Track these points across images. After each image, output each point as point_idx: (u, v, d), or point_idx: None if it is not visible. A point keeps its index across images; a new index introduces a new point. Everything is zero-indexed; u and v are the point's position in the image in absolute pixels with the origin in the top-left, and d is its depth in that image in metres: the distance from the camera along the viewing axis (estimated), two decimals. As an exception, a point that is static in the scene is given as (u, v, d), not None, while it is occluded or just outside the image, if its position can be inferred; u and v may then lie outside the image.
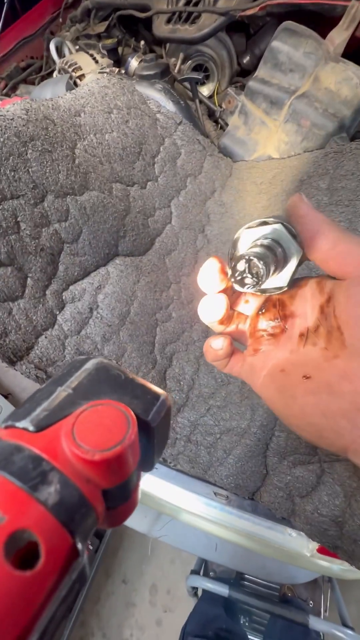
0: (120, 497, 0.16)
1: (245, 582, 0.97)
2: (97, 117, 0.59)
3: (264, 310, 0.23)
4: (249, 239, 0.22)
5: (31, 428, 0.15)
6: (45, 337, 0.47)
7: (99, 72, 0.86)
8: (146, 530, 0.79)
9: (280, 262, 0.21)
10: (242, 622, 1.00)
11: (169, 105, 0.74)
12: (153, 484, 0.52)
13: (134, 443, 0.15)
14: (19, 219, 0.45)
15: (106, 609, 1.52)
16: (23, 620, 0.11)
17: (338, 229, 0.20)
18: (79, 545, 0.13)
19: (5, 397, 0.62)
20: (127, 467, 0.15)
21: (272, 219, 0.21)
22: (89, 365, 0.19)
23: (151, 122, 0.68)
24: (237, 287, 0.21)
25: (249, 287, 0.20)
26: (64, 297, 0.50)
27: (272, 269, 0.20)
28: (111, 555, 1.62)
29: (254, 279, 0.20)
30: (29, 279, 0.47)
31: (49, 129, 0.48)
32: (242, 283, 0.21)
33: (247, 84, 0.70)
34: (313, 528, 0.41)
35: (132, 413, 0.16)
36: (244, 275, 0.20)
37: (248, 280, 0.20)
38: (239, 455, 0.45)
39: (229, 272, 0.21)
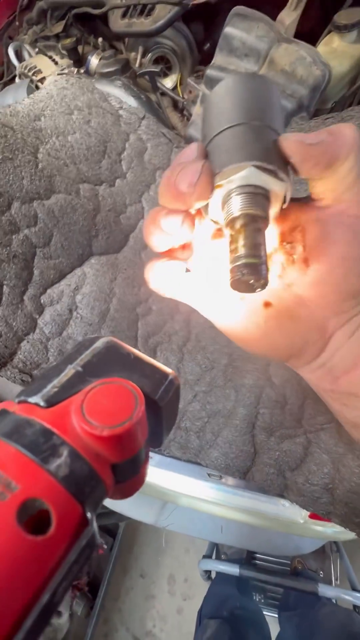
0: (129, 471, 0.16)
1: (256, 561, 0.99)
2: (58, 119, 0.60)
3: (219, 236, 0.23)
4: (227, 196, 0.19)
5: (42, 403, 0.16)
6: (27, 342, 0.48)
7: (58, 74, 0.85)
8: (153, 520, 0.80)
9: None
10: (257, 599, 1.03)
11: (131, 101, 0.74)
12: (150, 473, 0.53)
13: (142, 420, 0.15)
14: (-13, 228, 0.45)
15: (127, 604, 1.55)
16: (36, 581, 0.12)
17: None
18: (89, 515, 0.13)
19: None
20: (135, 443, 0.15)
21: (243, 163, 0.18)
22: (99, 344, 0.19)
23: (114, 119, 0.69)
24: (236, 289, 0.19)
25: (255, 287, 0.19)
26: (42, 301, 0.51)
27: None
28: (126, 551, 1.64)
29: (258, 282, 0.19)
30: (4, 286, 0.47)
31: (8, 136, 0.49)
32: (245, 288, 0.19)
33: (205, 72, 0.71)
34: (305, 499, 0.42)
35: (140, 391, 0.16)
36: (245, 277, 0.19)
37: (252, 283, 0.19)
38: (227, 436, 0.47)
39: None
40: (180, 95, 0.96)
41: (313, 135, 0.18)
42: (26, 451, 0.13)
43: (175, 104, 0.98)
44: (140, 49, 1.03)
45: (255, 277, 0.19)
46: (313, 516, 0.46)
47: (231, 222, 0.19)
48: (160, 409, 0.17)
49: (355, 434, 0.28)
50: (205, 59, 1.04)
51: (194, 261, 0.24)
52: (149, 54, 1.05)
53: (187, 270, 0.25)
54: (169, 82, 1.04)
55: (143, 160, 0.70)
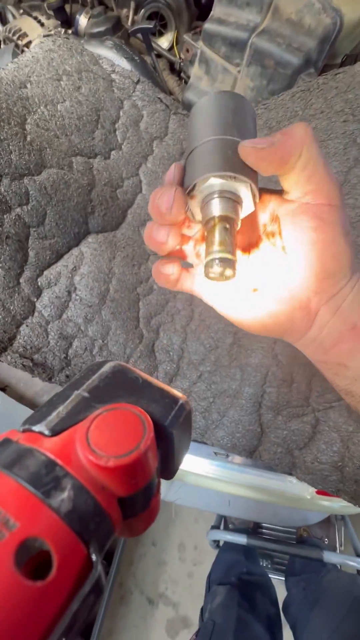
0: (138, 505, 0.15)
1: (263, 530, 1.03)
2: (46, 86, 0.55)
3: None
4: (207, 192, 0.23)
5: (46, 432, 0.15)
6: (27, 326, 0.47)
7: (44, 36, 0.79)
8: (162, 495, 0.82)
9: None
10: (263, 565, 1.08)
11: (124, 63, 0.69)
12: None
13: (151, 449, 0.14)
14: (-23, 208, 0.43)
15: (140, 570, 1.64)
16: (35, 632, 0.10)
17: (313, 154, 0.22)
18: (94, 557, 0.12)
19: (3, 390, 0.63)
20: (144, 474, 0.14)
21: (241, 176, 0.22)
22: (106, 368, 0.18)
23: (106, 84, 0.64)
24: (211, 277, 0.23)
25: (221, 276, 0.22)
26: (39, 283, 0.49)
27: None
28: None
29: (227, 270, 0.22)
30: (-1, 269, 0.46)
31: (-7, 105, 0.45)
32: (217, 276, 0.22)
33: (203, 26, 0.65)
34: (315, 477, 0.42)
35: (149, 417, 0.15)
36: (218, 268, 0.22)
37: (226, 272, 0.22)
38: (233, 415, 0.46)
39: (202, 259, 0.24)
40: (177, 56, 0.89)
41: (266, 139, 0.21)
42: (27, 484, 0.12)
43: (172, 66, 0.91)
44: (132, 5, 0.95)
45: (224, 268, 0.22)
46: (320, 492, 0.46)
47: (205, 224, 0.23)
48: (171, 435, 0.16)
49: (349, 400, 0.30)
50: (203, 12, 0.95)
51: (192, 258, 0.28)
52: (142, 10, 0.97)
53: (190, 265, 0.28)
54: (164, 42, 0.96)
55: (139, 129, 0.66)
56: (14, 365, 0.45)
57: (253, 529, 1.04)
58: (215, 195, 0.22)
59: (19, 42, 0.90)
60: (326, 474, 0.41)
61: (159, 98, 0.68)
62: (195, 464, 0.51)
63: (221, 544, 1.06)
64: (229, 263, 0.22)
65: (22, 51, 0.87)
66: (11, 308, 0.46)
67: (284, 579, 1.01)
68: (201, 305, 0.54)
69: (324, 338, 0.26)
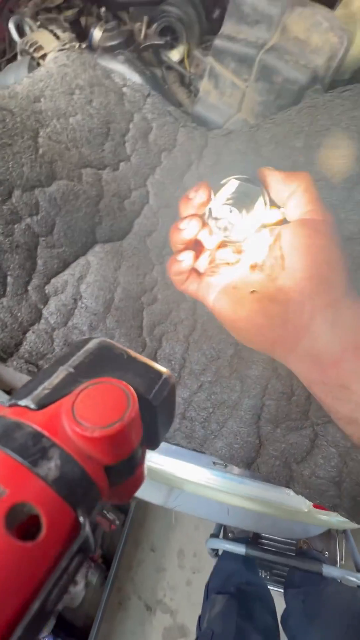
0: (124, 473, 0.16)
1: (263, 541, 1.02)
2: (59, 100, 0.57)
3: (225, 245, 0.31)
4: (226, 193, 0.27)
5: (32, 406, 0.15)
6: (33, 332, 0.48)
7: (59, 50, 0.82)
8: (162, 502, 0.83)
9: (246, 216, 0.27)
10: (263, 575, 1.07)
11: (135, 77, 0.70)
12: (157, 460, 0.54)
13: (135, 420, 0.15)
14: (-11, 218, 0.45)
15: (139, 575, 1.63)
16: (26, 588, 0.11)
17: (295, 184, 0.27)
18: (81, 518, 0.13)
19: (8, 392, 0.64)
20: (128, 444, 0.15)
21: (253, 184, 0.27)
22: (91, 345, 0.19)
23: (117, 98, 0.66)
24: (216, 233, 0.27)
25: (221, 234, 0.27)
26: (46, 291, 0.51)
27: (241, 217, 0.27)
28: (138, 527, 1.71)
29: (226, 227, 0.26)
30: (8, 277, 0.47)
31: (7, 120, 0.47)
32: (219, 230, 0.27)
33: (213, 42, 0.66)
34: (312, 491, 0.42)
35: (133, 391, 0.16)
36: (220, 224, 0.26)
37: (226, 226, 0.26)
38: (232, 427, 0.46)
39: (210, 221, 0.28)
40: (187, 69, 0.90)
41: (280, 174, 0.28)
42: (15, 454, 0.13)
43: (182, 79, 0.93)
44: (145, 19, 0.97)
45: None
46: (318, 506, 0.46)
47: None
48: (155, 408, 0.17)
49: (350, 430, 0.28)
50: (215, 27, 0.97)
51: (204, 269, 0.31)
52: (155, 24, 0.99)
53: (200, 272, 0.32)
54: (175, 55, 0.98)
55: (148, 141, 0.67)
56: (20, 370, 0.46)
57: (252, 539, 1.04)
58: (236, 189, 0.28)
59: (35, 55, 0.93)
60: (324, 488, 0.41)
61: (168, 111, 0.70)
62: (194, 473, 0.51)
63: (220, 552, 1.06)
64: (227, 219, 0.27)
65: (38, 64, 0.90)
66: (18, 315, 0.47)
67: (282, 590, 1.01)
68: (204, 316, 0.55)
69: (321, 352, 0.25)
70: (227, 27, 0.65)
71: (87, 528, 0.13)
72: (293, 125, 0.57)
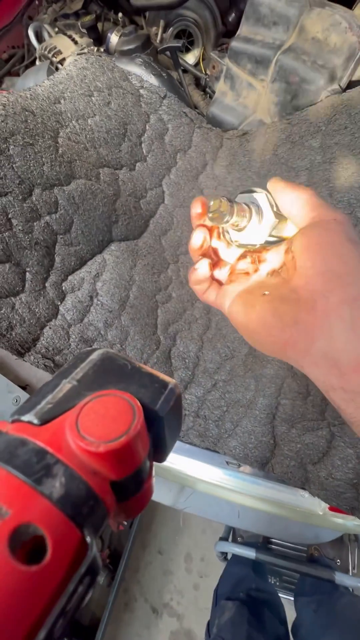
0: (131, 488, 0.15)
1: (273, 546, 1.01)
2: (78, 101, 0.58)
3: (244, 257, 0.30)
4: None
5: (35, 421, 0.15)
6: (50, 328, 0.49)
7: (78, 54, 0.83)
8: (171, 502, 0.82)
9: (255, 222, 0.26)
10: (272, 582, 1.05)
11: (152, 79, 0.71)
12: (169, 458, 0.54)
13: (141, 433, 0.14)
14: (10, 216, 0.46)
15: (146, 577, 1.62)
16: (31, 616, 0.10)
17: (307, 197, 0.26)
18: (88, 539, 0.12)
19: (23, 388, 0.65)
20: (135, 457, 0.14)
21: (259, 189, 0.26)
22: (94, 356, 0.18)
23: (134, 99, 0.67)
24: (210, 220, 0.26)
25: (219, 221, 0.26)
26: (63, 288, 0.52)
27: (246, 220, 0.26)
28: (145, 529, 1.71)
29: (221, 215, 0.25)
30: (27, 273, 0.48)
31: (29, 121, 0.48)
32: (213, 219, 0.26)
33: (230, 44, 0.67)
34: (328, 493, 0.41)
35: (138, 402, 0.15)
36: (215, 212, 0.25)
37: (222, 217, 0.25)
38: (246, 425, 0.46)
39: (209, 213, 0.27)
40: (203, 71, 0.91)
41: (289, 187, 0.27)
42: (18, 473, 0.12)
43: (197, 81, 0.93)
44: (162, 23, 0.99)
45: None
46: (333, 508, 0.46)
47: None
48: (162, 419, 0.16)
49: None
50: (230, 30, 0.98)
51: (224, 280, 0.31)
52: (171, 28, 1.01)
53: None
54: (191, 58, 0.99)
55: (164, 142, 0.68)
56: (37, 365, 0.47)
57: (262, 544, 1.02)
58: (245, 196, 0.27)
59: (54, 59, 0.96)
60: (341, 490, 0.40)
61: (184, 112, 0.70)
62: (206, 472, 0.51)
63: (229, 556, 1.04)
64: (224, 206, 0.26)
65: (57, 68, 0.92)
66: (36, 310, 0.48)
67: (292, 598, 0.98)
68: (218, 315, 0.55)
69: (340, 354, 0.23)
70: (244, 29, 0.66)
71: (95, 549, 0.13)
72: (310, 125, 0.57)
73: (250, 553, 0.80)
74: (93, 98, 0.61)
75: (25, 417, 0.15)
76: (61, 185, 0.50)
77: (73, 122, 0.56)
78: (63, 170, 0.51)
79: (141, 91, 0.68)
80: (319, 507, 0.45)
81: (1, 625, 0.10)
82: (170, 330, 0.54)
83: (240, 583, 0.92)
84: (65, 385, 0.16)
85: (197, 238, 0.29)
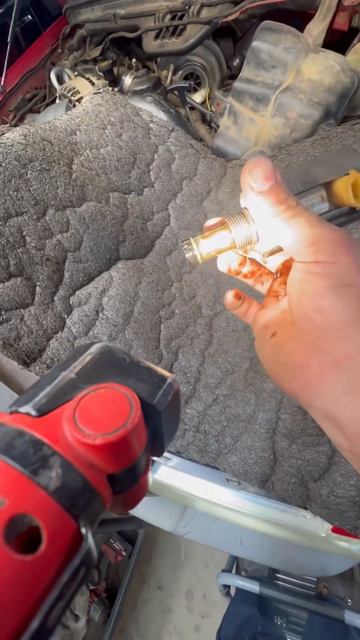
0: (127, 481, 0.15)
1: (279, 582, 0.95)
2: (92, 133, 0.64)
3: (279, 275, 0.27)
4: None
5: (33, 413, 0.15)
6: (56, 340, 0.51)
7: (94, 93, 0.91)
8: (172, 527, 0.80)
9: (244, 224, 0.24)
10: (279, 623, 0.98)
11: (161, 115, 0.77)
12: (168, 475, 0.53)
13: (138, 426, 0.14)
14: (24, 233, 0.49)
15: (143, 615, 1.52)
16: (25, 605, 0.11)
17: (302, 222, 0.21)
18: (83, 530, 0.12)
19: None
20: (132, 450, 0.14)
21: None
22: (93, 349, 0.18)
23: (144, 132, 0.72)
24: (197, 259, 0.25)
25: (192, 259, 0.24)
26: (71, 302, 0.54)
27: (234, 229, 0.24)
28: (145, 561, 1.63)
29: (189, 248, 0.24)
30: (37, 287, 0.51)
31: (46, 149, 0.53)
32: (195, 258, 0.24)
33: (233, 84, 0.73)
34: (330, 511, 0.41)
35: (136, 396, 0.15)
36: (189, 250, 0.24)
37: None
38: (246, 441, 0.46)
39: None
40: (209, 109, 0.99)
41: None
42: (15, 463, 0.12)
43: (203, 117, 1.01)
44: (172, 67, 1.08)
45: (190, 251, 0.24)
46: (336, 530, 0.44)
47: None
48: (160, 413, 0.16)
49: None
50: (234, 74, 1.07)
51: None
52: (180, 72, 1.10)
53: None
54: (198, 97, 1.08)
55: (171, 170, 0.73)
56: (41, 376, 0.48)
57: (267, 578, 0.96)
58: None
59: (72, 98, 1.05)
60: (343, 509, 0.39)
61: (190, 144, 0.76)
62: (206, 490, 0.50)
63: (232, 591, 0.98)
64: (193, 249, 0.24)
65: (74, 105, 1.00)
66: (44, 322, 0.50)
67: (300, 642, 0.91)
68: (220, 331, 0.56)
69: (342, 418, 0.20)
70: (246, 72, 0.72)
71: (90, 540, 0.13)
72: (307, 155, 0.61)
73: (254, 587, 0.76)
74: (106, 130, 0.66)
75: (23, 409, 0.15)
76: (73, 207, 0.54)
77: (87, 151, 0.61)
78: (76, 193, 0.55)
79: (151, 125, 0.74)
80: (322, 528, 0.44)
81: None
82: (172, 345, 0.56)
83: (245, 625, 0.86)
84: (64, 378, 0.16)
85: (221, 267, 0.27)
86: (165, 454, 0.54)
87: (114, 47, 1.25)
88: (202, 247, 0.24)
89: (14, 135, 0.49)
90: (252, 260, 0.27)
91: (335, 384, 0.20)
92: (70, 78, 1.24)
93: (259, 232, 0.23)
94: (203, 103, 1.04)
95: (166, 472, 0.53)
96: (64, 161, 0.55)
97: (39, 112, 1.32)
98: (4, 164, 0.47)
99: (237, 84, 0.72)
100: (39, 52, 1.43)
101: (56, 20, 1.46)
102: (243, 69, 0.72)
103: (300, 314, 0.21)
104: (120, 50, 1.27)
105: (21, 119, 1.30)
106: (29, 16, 1.89)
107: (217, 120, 0.87)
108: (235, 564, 1.03)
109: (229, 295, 0.28)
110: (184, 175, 0.74)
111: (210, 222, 0.25)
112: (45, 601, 0.11)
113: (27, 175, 0.49)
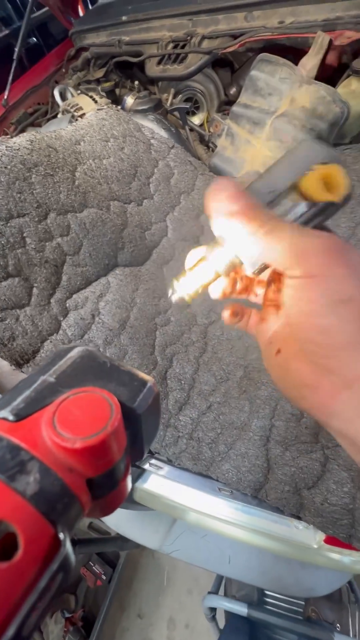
0: (106, 485, 0.15)
1: (267, 606, 0.91)
2: (96, 145, 0.66)
3: (272, 284, 0.25)
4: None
5: (11, 417, 0.14)
6: (50, 342, 0.50)
7: (98, 109, 0.95)
8: (158, 545, 0.77)
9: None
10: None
11: (162, 132, 0.81)
12: (159, 485, 0.52)
13: (118, 430, 0.14)
14: (24, 235, 0.49)
15: (122, 647, 1.43)
16: (1, 611, 0.10)
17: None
18: (61, 535, 0.12)
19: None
20: (111, 454, 0.14)
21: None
22: (74, 353, 0.18)
23: (145, 147, 0.75)
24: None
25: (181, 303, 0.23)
26: (67, 305, 0.54)
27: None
28: (125, 587, 1.54)
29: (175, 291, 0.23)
30: (34, 288, 0.50)
31: (51, 155, 0.54)
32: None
33: (231, 108, 0.77)
34: (324, 520, 0.40)
35: (116, 400, 0.15)
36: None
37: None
38: (240, 448, 0.46)
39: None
40: (207, 130, 1.04)
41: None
42: None
43: (201, 138, 1.05)
44: (172, 91, 1.14)
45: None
46: (329, 541, 0.43)
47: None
48: (139, 417, 0.16)
49: None
50: (232, 100, 1.13)
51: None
52: (180, 95, 1.16)
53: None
54: (196, 120, 1.13)
55: (169, 184, 0.75)
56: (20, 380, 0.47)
57: (256, 602, 0.93)
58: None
59: (75, 114, 1.08)
60: (337, 517, 0.39)
61: (189, 161, 0.79)
62: (197, 500, 0.48)
63: (218, 615, 0.94)
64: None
65: (77, 120, 1.03)
66: (39, 324, 0.50)
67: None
68: (214, 339, 0.57)
69: (358, 437, 0.20)
70: (244, 97, 0.77)
71: (68, 545, 0.13)
72: (301, 175, 0.64)
73: (242, 609, 0.73)
74: (109, 143, 0.69)
75: (0, 414, 0.15)
76: (75, 212, 0.55)
77: (90, 160, 0.62)
78: (78, 199, 0.56)
79: (152, 141, 0.77)
80: (314, 539, 0.43)
81: None
82: (167, 351, 0.56)
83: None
84: (43, 382, 0.16)
85: (214, 296, 0.25)
86: (156, 462, 0.53)
87: (117, 70, 1.31)
88: (187, 287, 0.23)
89: (20, 140, 0.51)
90: (242, 277, 0.26)
91: (349, 405, 0.19)
92: (73, 96, 1.28)
93: (239, 255, 0.21)
94: (201, 125, 1.09)
95: (156, 481, 0.52)
96: (67, 168, 0.56)
97: (39, 126, 1.36)
98: (9, 167, 0.48)
99: (235, 108, 0.76)
100: (44, 71, 1.49)
101: (61, 43, 1.53)
102: (241, 95, 0.77)
103: (301, 333, 0.20)
104: (122, 73, 1.33)
105: (22, 132, 1.33)
106: (34, 38, 1.97)
107: (215, 141, 0.91)
108: (223, 589, 0.99)
109: (226, 314, 0.27)
110: (182, 189, 0.76)
111: (189, 259, 0.24)
112: (22, 608, 0.11)
113: (31, 178, 0.50)
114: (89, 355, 0.18)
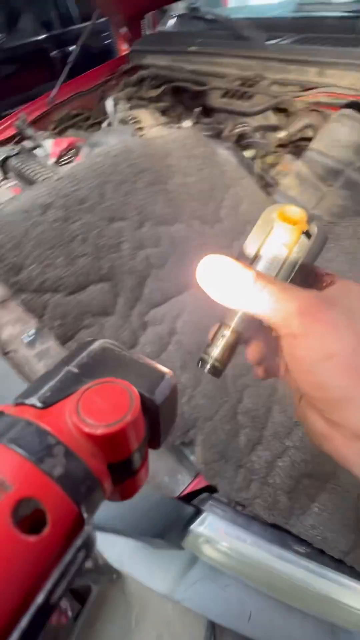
0: (126, 471, 0.16)
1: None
2: (181, 161, 0.65)
3: None
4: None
5: (38, 404, 0.15)
6: (130, 358, 0.46)
7: (177, 127, 0.95)
8: (168, 590, 0.69)
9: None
10: None
11: (234, 160, 0.82)
12: (218, 531, 0.47)
13: (137, 419, 0.15)
14: (122, 239, 0.46)
15: None
16: (31, 581, 0.11)
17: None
18: (85, 515, 0.13)
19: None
20: (130, 442, 0.15)
21: None
22: (95, 346, 0.19)
23: (220, 172, 0.75)
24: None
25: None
26: (146, 320, 0.50)
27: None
28: (87, 626, 1.39)
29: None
30: (120, 297, 0.47)
31: (153, 164, 0.52)
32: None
33: (305, 152, 0.79)
34: None
35: (135, 390, 0.16)
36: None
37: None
38: (325, 502, 0.43)
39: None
40: (259, 168, 1.07)
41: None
42: (22, 451, 0.13)
43: (261, 177, 1.08)
44: (230, 124, 1.17)
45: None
46: None
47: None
48: (158, 407, 0.17)
49: None
50: (282, 144, 1.18)
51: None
52: (236, 129, 1.20)
53: None
54: (246, 154, 1.16)
55: (238, 212, 0.75)
56: (45, 371, 0.43)
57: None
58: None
59: (135, 126, 1.08)
60: None
61: (258, 193, 0.79)
62: (267, 556, 0.43)
63: None
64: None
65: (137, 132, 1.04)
66: (120, 336, 0.46)
67: None
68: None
69: None
70: (321, 146, 0.79)
71: (91, 524, 0.14)
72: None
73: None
74: (191, 162, 0.68)
75: (29, 401, 0.16)
76: (167, 225, 0.53)
77: (179, 175, 0.61)
78: (170, 212, 0.54)
79: (225, 167, 0.78)
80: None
81: (4, 587, 0.11)
82: (239, 383, 0.53)
83: None
84: (67, 372, 0.17)
85: (251, 359, 0.25)
86: (215, 503, 0.48)
87: (172, 93, 1.34)
88: (215, 355, 0.24)
89: (133, 143, 0.49)
90: (265, 329, 0.24)
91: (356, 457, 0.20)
92: (126, 109, 1.29)
93: (246, 309, 0.22)
94: (253, 159, 1.12)
95: (216, 525, 0.47)
96: (163, 180, 0.55)
97: (81, 129, 1.36)
98: (119, 168, 0.46)
99: (309, 153, 0.79)
100: (93, 79, 1.52)
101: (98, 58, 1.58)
102: (316, 140, 0.80)
103: (303, 389, 0.21)
104: (175, 97, 1.37)
105: (61, 131, 1.33)
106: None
107: (278, 179, 0.93)
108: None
109: (259, 372, 0.26)
110: (248, 219, 0.76)
111: (211, 332, 0.25)
112: (50, 578, 0.12)
113: (136, 183, 0.48)
114: (110, 348, 0.19)
